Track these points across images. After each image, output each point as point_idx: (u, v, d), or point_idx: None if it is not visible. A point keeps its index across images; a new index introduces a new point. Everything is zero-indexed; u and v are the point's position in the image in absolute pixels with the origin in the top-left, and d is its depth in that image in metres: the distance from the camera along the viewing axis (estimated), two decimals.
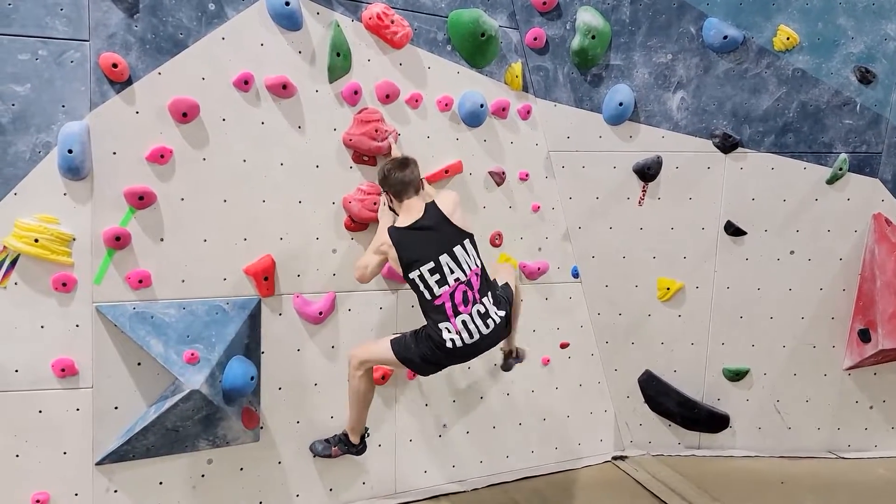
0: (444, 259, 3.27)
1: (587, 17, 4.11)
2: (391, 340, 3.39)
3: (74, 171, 3.04)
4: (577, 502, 4.01)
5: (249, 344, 3.45)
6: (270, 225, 3.51)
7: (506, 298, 3.44)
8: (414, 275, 3.26)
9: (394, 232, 3.33)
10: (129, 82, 3.16)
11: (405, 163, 3.42)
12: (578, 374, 4.48)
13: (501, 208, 4.14)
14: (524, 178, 4.19)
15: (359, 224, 3.69)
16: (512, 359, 3.86)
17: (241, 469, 3.53)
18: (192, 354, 3.18)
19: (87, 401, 3.19)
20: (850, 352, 4.52)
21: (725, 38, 4.17)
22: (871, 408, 4.63)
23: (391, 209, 3.49)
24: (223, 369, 3.25)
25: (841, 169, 4.34)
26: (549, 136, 4.23)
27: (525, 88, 4.16)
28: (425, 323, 3.34)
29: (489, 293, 3.38)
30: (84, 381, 3.18)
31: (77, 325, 3.15)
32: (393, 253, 3.29)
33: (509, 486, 4.13)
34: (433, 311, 3.26)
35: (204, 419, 3.25)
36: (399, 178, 3.36)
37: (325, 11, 3.57)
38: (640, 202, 4.40)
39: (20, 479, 3.13)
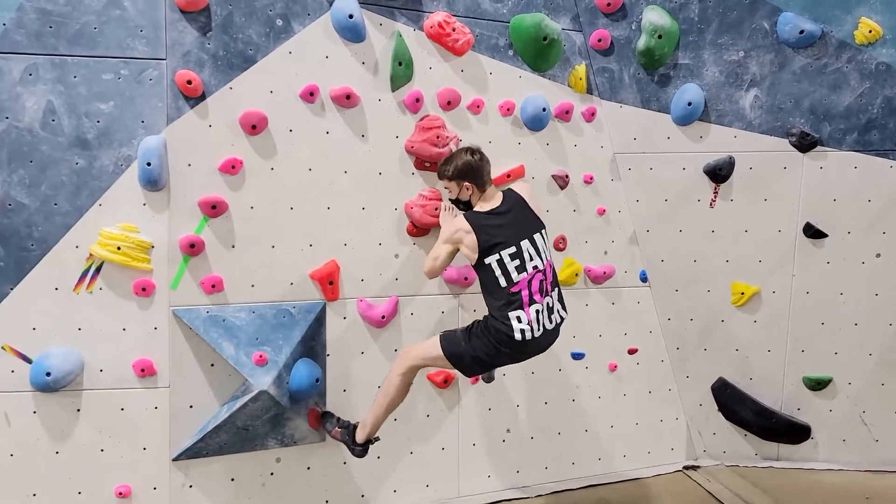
0: (525, 245, 3.19)
1: (653, 16, 4.03)
2: (440, 336, 3.29)
3: (153, 182, 3.23)
4: None
5: (315, 346, 3.56)
6: (335, 231, 3.61)
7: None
8: (492, 259, 3.15)
9: (472, 216, 3.23)
10: (202, 97, 3.33)
11: (478, 150, 3.36)
12: (648, 381, 4.38)
13: (565, 212, 4.11)
14: (589, 181, 4.14)
15: (420, 230, 3.75)
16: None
17: (309, 468, 3.65)
18: (261, 356, 3.31)
19: (164, 400, 3.37)
20: None
21: (802, 32, 4.00)
22: None
23: (461, 203, 3.40)
24: (290, 371, 3.37)
25: None
26: (615, 138, 4.16)
27: (589, 90, 4.11)
28: (480, 319, 3.28)
29: (557, 288, 3.32)
30: (161, 381, 3.36)
31: (155, 328, 3.33)
32: (471, 238, 3.16)
33: (575, 494, 4.08)
34: (506, 299, 3.13)
35: (272, 419, 3.38)
36: (483, 167, 3.31)
37: (388, 22, 3.65)
38: (711, 204, 4.26)
39: (104, 473, 3.34)
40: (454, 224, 3.25)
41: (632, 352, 4.34)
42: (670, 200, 4.26)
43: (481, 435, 4.01)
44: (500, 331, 3.14)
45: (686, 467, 4.40)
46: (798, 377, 4.38)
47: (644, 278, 4.32)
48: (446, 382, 3.87)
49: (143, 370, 3.30)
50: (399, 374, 3.29)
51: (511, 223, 3.22)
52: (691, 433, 4.48)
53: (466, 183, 3.31)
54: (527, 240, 3.21)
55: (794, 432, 4.40)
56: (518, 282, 3.14)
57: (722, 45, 4.11)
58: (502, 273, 3.15)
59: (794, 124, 4.15)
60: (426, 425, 3.87)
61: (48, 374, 3.14)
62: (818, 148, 4.14)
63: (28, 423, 3.24)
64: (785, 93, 4.13)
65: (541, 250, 3.23)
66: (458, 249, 3.26)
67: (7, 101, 3.13)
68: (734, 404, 4.41)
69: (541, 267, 3.20)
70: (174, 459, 3.38)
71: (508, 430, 4.07)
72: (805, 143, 4.13)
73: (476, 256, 3.18)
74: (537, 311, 3.15)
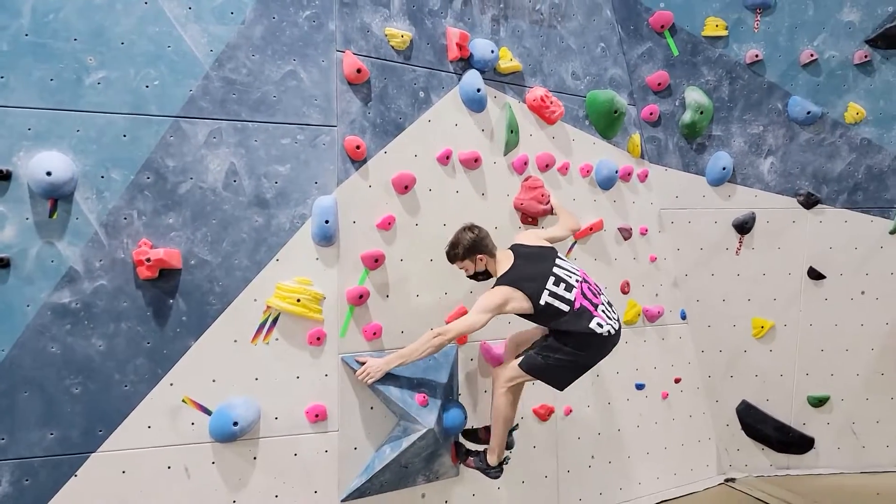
0: (557, 269, 3.49)
1: (695, 95, 4.81)
2: (520, 362, 3.53)
3: (328, 238, 3.47)
4: None
5: (452, 386, 3.87)
6: (463, 279, 3.94)
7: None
8: (545, 297, 3.38)
9: (504, 278, 3.45)
10: (364, 161, 3.63)
11: (474, 226, 3.63)
12: (689, 406, 5.03)
13: (628, 260, 4.72)
14: (644, 232, 4.79)
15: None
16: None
17: (446, 502, 3.91)
18: (423, 397, 3.59)
19: (333, 443, 3.53)
20: None
21: (808, 113, 4.93)
22: None
23: (480, 275, 3.64)
24: (443, 410, 3.66)
25: None
26: (661, 196, 4.86)
27: (642, 155, 4.80)
28: (549, 338, 3.53)
29: (603, 296, 3.61)
30: (331, 426, 3.53)
31: (326, 375, 3.52)
32: (519, 295, 3.36)
33: None
34: (578, 317, 3.40)
35: (429, 456, 3.64)
36: (485, 237, 3.58)
37: (500, 95, 4.14)
38: (737, 252, 5.05)
39: None
40: (496, 294, 3.40)
41: (677, 381, 4.98)
42: (705, 249, 5.01)
43: (575, 462, 4.45)
44: (581, 333, 3.42)
45: (727, 480, 5.07)
46: (803, 397, 5.22)
47: (684, 316, 5.01)
48: (548, 416, 4.29)
49: (316, 416, 3.46)
50: (502, 396, 3.57)
51: (535, 262, 3.52)
52: (719, 450, 5.17)
53: (479, 256, 3.56)
54: (554, 266, 3.51)
55: (804, 444, 5.22)
56: (574, 299, 3.45)
57: (746, 121, 4.97)
58: (561, 301, 3.42)
59: (800, 186, 5.05)
60: (533, 455, 4.26)
61: (235, 424, 3.24)
62: (819, 206, 5.06)
63: (206, 474, 3.30)
64: (794, 160, 5.04)
65: (567, 268, 3.54)
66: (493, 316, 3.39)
67: (192, 163, 3.28)
68: (757, 423, 5.16)
69: (579, 279, 3.52)
70: (342, 500, 3.53)
71: (593, 457, 4.54)
72: (809, 202, 5.04)
73: (532, 306, 3.41)
74: (604, 311, 3.50)
